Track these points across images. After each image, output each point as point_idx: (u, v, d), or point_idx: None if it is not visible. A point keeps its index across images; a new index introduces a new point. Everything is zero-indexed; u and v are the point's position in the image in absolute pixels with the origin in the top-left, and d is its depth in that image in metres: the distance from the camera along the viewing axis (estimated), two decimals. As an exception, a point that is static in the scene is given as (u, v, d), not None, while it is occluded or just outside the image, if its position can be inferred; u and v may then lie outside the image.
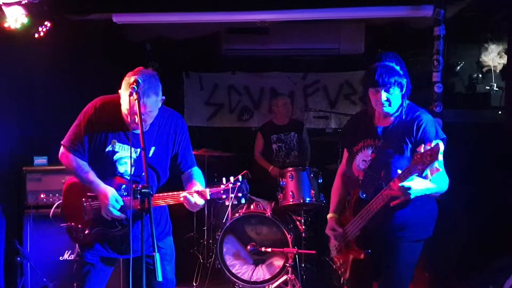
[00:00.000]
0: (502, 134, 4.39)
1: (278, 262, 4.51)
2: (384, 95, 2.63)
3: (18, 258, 3.94)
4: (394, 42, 5.60)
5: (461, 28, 4.84)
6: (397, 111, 2.70)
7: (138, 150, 2.68)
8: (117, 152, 2.72)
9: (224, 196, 2.62)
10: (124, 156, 2.72)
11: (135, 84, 2.48)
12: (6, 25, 3.78)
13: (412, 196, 2.42)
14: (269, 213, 4.53)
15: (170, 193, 2.68)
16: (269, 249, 4.23)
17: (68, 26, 4.53)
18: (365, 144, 2.78)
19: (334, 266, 3.15)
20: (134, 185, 2.26)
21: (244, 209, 4.71)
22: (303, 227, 4.69)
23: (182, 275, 3.43)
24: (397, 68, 2.63)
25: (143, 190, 2.24)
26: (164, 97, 2.69)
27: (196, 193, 2.62)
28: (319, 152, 5.75)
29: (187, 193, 2.63)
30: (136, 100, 2.45)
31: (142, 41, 6.08)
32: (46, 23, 4.06)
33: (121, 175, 2.74)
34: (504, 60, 5.15)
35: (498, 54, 5.25)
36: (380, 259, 2.75)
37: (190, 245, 5.35)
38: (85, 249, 2.78)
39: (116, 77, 2.69)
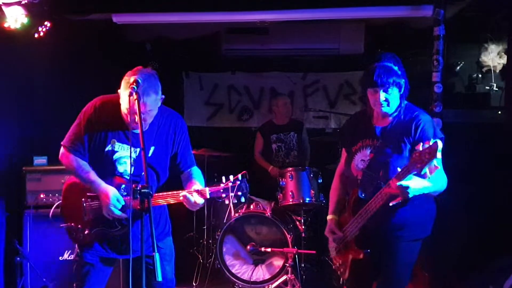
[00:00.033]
0: (502, 134, 4.39)
1: (278, 262, 4.51)
2: (382, 95, 2.64)
3: (18, 258, 3.94)
4: (394, 42, 5.60)
5: (461, 28, 4.84)
6: (395, 111, 2.72)
7: (138, 149, 2.68)
8: (117, 151, 2.72)
9: (223, 195, 2.62)
10: (124, 156, 2.72)
11: (135, 84, 2.48)
12: (6, 25, 3.78)
13: (410, 195, 2.43)
14: (268, 213, 4.53)
15: (170, 193, 2.68)
16: (268, 249, 4.23)
17: (68, 26, 4.53)
18: (364, 144, 2.79)
19: (334, 267, 3.15)
20: (133, 185, 2.26)
21: (244, 209, 4.71)
22: (303, 227, 4.69)
23: (182, 275, 3.43)
24: (395, 68, 2.65)
25: (142, 190, 2.24)
26: (163, 96, 2.69)
27: (195, 192, 2.62)
28: (319, 152, 5.75)
29: (187, 192, 2.64)
30: (136, 100, 2.45)
31: (142, 41, 6.08)
32: (46, 23, 4.06)
33: (121, 174, 2.74)
34: (504, 60, 5.15)
35: (498, 54, 5.24)
36: (379, 258, 2.76)
37: (190, 245, 5.35)
38: (85, 249, 2.78)
39: (116, 77, 2.69)
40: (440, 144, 2.27)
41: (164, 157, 2.82)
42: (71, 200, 2.80)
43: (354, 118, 3.01)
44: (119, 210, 2.64)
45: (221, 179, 2.66)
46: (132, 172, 2.66)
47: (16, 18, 3.76)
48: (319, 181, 4.74)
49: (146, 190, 2.25)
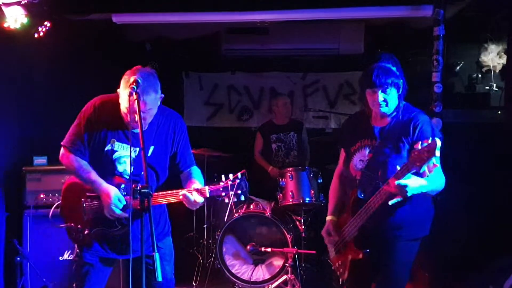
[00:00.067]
0: (502, 134, 4.39)
1: (278, 262, 4.51)
2: (381, 96, 2.67)
3: (18, 258, 3.93)
4: (394, 42, 5.61)
5: (460, 28, 4.84)
6: (394, 111, 2.74)
7: (137, 149, 2.68)
8: (116, 151, 2.72)
9: (223, 194, 2.62)
10: (123, 155, 2.72)
11: (134, 84, 2.48)
12: (6, 25, 3.77)
13: (409, 194, 2.44)
14: (268, 213, 4.54)
15: (170, 192, 2.68)
16: (268, 249, 4.23)
17: (68, 26, 4.53)
18: (362, 144, 2.81)
19: (333, 267, 3.15)
20: (133, 185, 2.26)
21: (244, 209, 4.71)
22: (303, 227, 4.69)
23: (181, 275, 3.43)
24: (394, 69, 2.69)
25: (142, 190, 2.24)
26: (163, 95, 2.69)
27: (195, 191, 2.62)
28: (319, 152, 5.75)
29: (186, 191, 2.63)
30: (136, 100, 2.45)
31: (142, 41, 6.08)
32: (46, 23, 4.06)
33: (120, 174, 2.74)
34: (503, 60, 5.15)
35: (498, 54, 5.25)
36: (378, 258, 2.77)
37: (190, 245, 5.35)
38: (84, 249, 2.78)
39: (116, 77, 2.69)
40: (438, 142, 2.28)
41: (164, 157, 2.82)
42: (70, 200, 2.80)
43: (354, 118, 3.03)
44: (120, 210, 2.64)
45: (221, 178, 2.66)
46: (131, 172, 2.66)
47: (16, 18, 3.76)
48: (319, 181, 4.74)
49: (146, 190, 2.25)
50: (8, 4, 3.71)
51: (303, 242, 4.63)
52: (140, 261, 2.22)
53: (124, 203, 2.64)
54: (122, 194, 2.68)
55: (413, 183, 2.43)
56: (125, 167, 2.72)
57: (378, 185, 2.61)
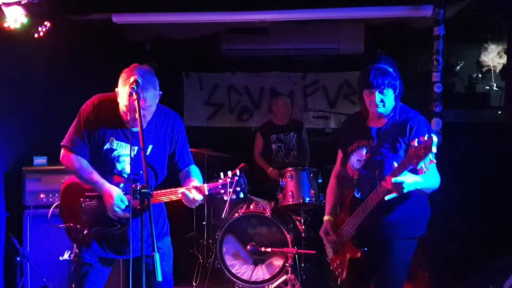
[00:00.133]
0: (501, 134, 4.39)
1: (278, 262, 4.51)
2: (378, 97, 2.70)
3: (18, 258, 3.93)
4: (394, 42, 5.61)
5: (461, 28, 4.84)
6: (391, 112, 2.76)
7: (136, 148, 2.68)
8: (115, 150, 2.72)
9: (222, 191, 2.61)
10: (122, 154, 2.72)
11: (135, 84, 2.48)
12: (6, 25, 3.77)
13: (405, 191, 2.45)
14: (268, 213, 4.54)
15: (168, 190, 2.68)
16: (268, 249, 4.23)
17: (68, 26, 4.53)
18: (360, 144, 2.83)
19: (331, 267, 3.16)
20: (133, 185, 2.25)
21: (243, 209, 4.71)
22: (303, 227, 4.69)
23: (181, 275, 3.44)
24: (390, 70, 2.71)
25: (142, 190, 2.24)
26: (161, 92, 2.69)
27: (194, 188, 2.62)
28: (319, 152, 5.75)
29: (185, 189, 2.63)
30: (136, 100, 2.45)
31: (142, 41, 6.08)
32: (45, 23, 4.05)
33: (119, 173, 2.73)
34: (503, 60, 5.15)
35: (498, 54, 5.25)
36: (375, 257, 2.78)
37: (190, 245, 5.35)
38: (83, 250, 2.77)
39: (116, 77, 2.68)
40: (435, 138, 2.30)
41: (162, 156, 2.81)
42: (69, 201, 2.80)
43: (353, 119, 3.04)
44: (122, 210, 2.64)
45: (220, 175, 2.66)
46: (130, 171, 2.65)
47: (16, 18, 3.76)
48: (319, 181, 4.74)
49: (146, 190, 2.24)
50: (8, 4, 3.71)
51: (303, 242, 4.63)
52: (140, 261, 2.22)
53: (127, 203, 2.64)
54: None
55: (409, 180, 2.45)
56: (123, 165, 2.72)
57: (375, 184, 2.63)
